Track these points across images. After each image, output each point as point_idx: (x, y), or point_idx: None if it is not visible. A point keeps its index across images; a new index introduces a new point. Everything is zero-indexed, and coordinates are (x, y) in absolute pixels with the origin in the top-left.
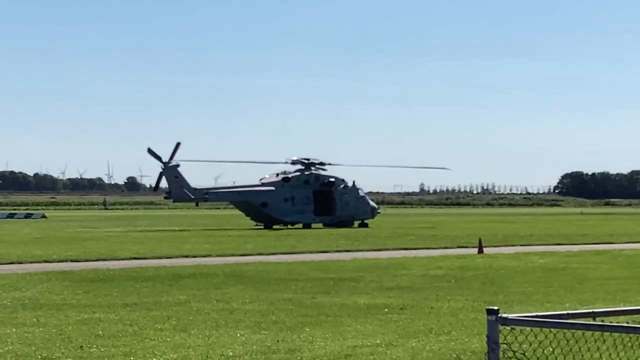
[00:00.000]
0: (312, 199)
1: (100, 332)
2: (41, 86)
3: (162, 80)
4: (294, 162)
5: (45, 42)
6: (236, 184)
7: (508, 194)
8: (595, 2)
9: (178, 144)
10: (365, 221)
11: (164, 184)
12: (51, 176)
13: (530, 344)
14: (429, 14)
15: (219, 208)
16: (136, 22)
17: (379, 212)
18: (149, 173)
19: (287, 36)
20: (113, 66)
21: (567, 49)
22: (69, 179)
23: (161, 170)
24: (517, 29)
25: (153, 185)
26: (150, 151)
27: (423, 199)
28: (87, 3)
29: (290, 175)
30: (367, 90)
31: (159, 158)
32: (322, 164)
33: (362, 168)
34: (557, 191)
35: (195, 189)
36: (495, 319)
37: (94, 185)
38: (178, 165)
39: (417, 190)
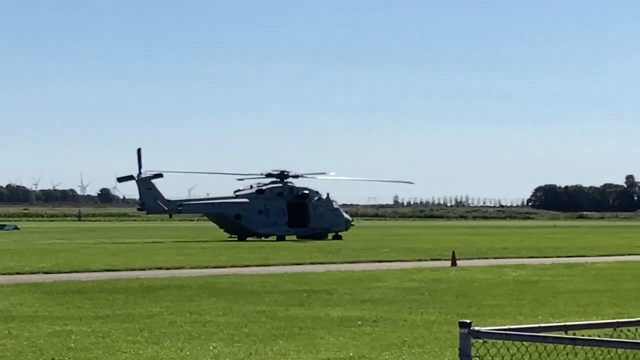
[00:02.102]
0: (286, 211)
1: (73, 345)
2: (12, 97)
3: (137, 91)
4: (268, 175)
5: (17, 50)
6: (210, 196)
7: (482, 206)
8: (568, 16)
9: (139, 150)
10: (339, 233)
11: (134, 193)
12: (24, 187)
13: (503, 357)
14: (401, 26)
15: (192, 220)
16: (109, 31)
17: (353, 225)
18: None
19: (262, 46)
20: (87, 77)
21: (540, 62)
22: (41, 190)
23: (134, 177)
24: (489, 41)
25: (128, 198)
26: (120, 180)
27: (397, 211)
28: (59, 10)
29: (264, 187)
30: (340, 102)
31: (140, 165)
32: (296, 175)
33: (336, 180)
34: (530, 204)
35: (169, 200)
36: (467, 332)
37: (66, 197)
38: (152, 177)
39: (391, 202)
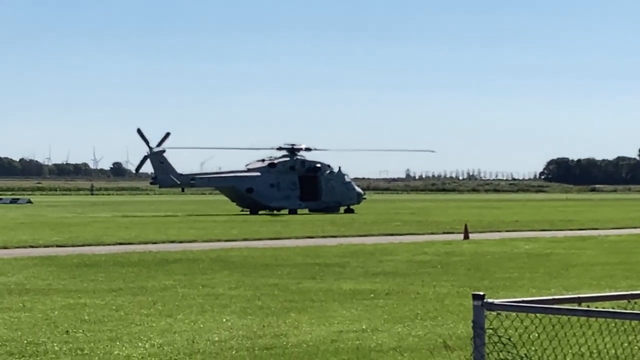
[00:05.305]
0: (298, 185)
1: (86, 317)
2: (27, 71)
3: (149, 65)
4: (280, 148)
5: (31, 26)
6: (222, 170)
7: (494, 180)
8: None
9: (167, 134)
10: (351, 207)
11: (146, 168)
12: (37, 161)
13: (516, 329)
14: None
15: (204, 194)
16: (121, 5)
17: (365, 198)
18: (135, 159)
19: (272, 21)
20: (100, 51)
21: (553, 36)
22: (54, 164)
23: (146, 154)
24: (503, 14)
25: (141, 172)
26: (139, 132)
27: (409, 184)
28: None
29: (276, 161)
30: (354, 76)
31: (146, 141)
32: (308, 149)
33: (349, 153)
34: (542, 177)
35: (181, 174)
36: (481, 304)
37: (79, 171)
38: (164, 151)
39: (403, 176)
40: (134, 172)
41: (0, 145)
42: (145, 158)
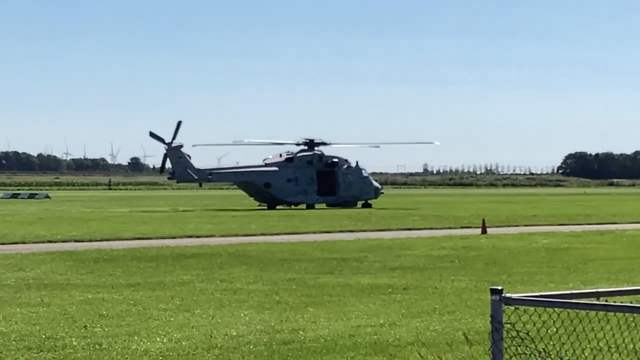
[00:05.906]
0: (315, 179)
1: (104, 312)
2: (45, 66)
3: (167, 61)
4: (297, 143)
5: (48, 24)
6: (239, 165)
7: (511, 174)
8: None
9: (179, 123)
10: (369, 201)
11: (170, 164)
12: (55, 156)
13: (534, 324)
14: None
15: (222, 188)
16: (138, 3)
17: (382, 193)
18: (153, 153)
19: (283, 16)
20: (118, 46)
21: (571, 29)
22: (72, 159)
23: (165, 151)
24: (520, 7)
25: (158, 167)
26: (152, 134)
27: (426, 179)
28: None
29: (293, 156)
30: (371, 70)
31: (161, 140)
32: (325, 143)
33: (366, 148)
34: (560, 171)
35: (199, 169)
36: (499, 299)
37: (97, 166)
38: (181, 146)
39: (421, 170)
40: (151, 167)
41: (18, 140)
42: (166, 156)
